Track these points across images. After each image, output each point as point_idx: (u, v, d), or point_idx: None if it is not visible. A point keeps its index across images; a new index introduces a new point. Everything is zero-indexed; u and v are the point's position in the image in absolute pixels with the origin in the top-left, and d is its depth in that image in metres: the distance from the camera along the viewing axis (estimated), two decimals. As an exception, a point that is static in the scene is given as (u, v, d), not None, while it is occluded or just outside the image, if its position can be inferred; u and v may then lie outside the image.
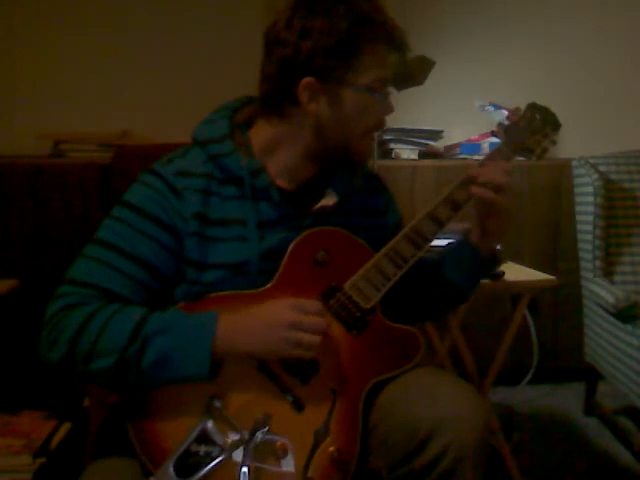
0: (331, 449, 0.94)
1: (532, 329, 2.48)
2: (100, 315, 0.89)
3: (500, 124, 1.16)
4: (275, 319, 0.91)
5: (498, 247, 1.14)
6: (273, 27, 1.00)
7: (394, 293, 1.04)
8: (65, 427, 1.83)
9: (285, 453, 0.91)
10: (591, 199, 2.10)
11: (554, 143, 1.16)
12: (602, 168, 2.14)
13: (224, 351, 0.90)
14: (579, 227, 2.22)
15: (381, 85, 1.02)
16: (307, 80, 0.97)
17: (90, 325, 0.88)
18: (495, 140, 2.36)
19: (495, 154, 1.11)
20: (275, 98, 1.02)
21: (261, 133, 1.05)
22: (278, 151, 1.05)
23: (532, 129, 1.14)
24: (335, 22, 0.96)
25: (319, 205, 1.06)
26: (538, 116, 1.15)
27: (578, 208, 2.23)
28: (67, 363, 0.88)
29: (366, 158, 1.09)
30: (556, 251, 2.50)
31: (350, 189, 1.09)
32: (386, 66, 1.02)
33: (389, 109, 1.05)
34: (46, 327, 0.90)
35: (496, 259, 1.15)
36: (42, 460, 1.67)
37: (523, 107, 1.18)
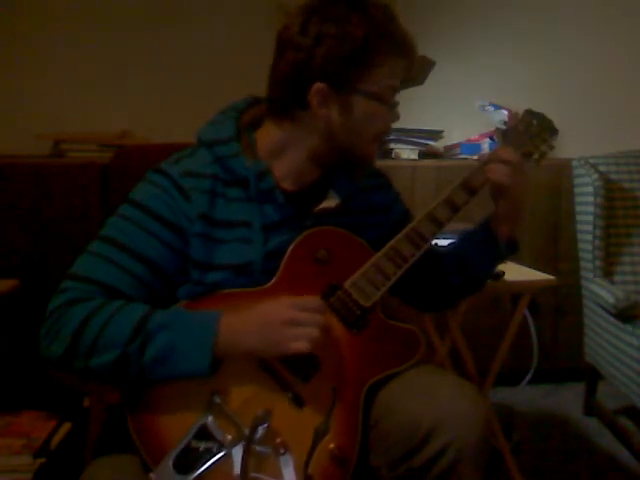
0: (331, 446, 0.94)
1: (532, 329, 2.48)
2: (103, 311, 0.89)
3: (498, 128, 1.16)
4: (273, 317, 0.91)
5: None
6: (286, 30, 0.99)
7: (414, 284, 1.05)
8: (65, 427, 1.83)
9: (285, 450, 0.91)
10: (591, 199, 2.10)
11: (552, 148, 1.17)
12: (602, 168, 2.14)
13: (224, 350, 0.90)
14: (579, 227, 2.22)
15: (390, 93, 1.02)
16: (319, 85, 0.97)
17: (92, 320, 0.88)
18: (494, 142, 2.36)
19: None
20: (285, 101, 1.01)
21: (268, 135, 1.05)
22: (284, 154, 1.04)
23: (530, 133, 1.15)
24: (351, 30, 0.95)
25: (321, 207, 1.06)
26: (535, 121, 1.15)
27: (578, 208, 2.23)
28: (68, 358, 0.89)
29: (371, 163, 1.10)
30: (556, 251, 2.49)
31: (352, 191, 1.09)
32: (396, 75, 1.02)
33: (396, 117, 1.06)
34: (47, 321, 0.90)
35: (514, 246, 1.13)
36: (42, 460, 1.67)
37: (523, 108, 1.18)
